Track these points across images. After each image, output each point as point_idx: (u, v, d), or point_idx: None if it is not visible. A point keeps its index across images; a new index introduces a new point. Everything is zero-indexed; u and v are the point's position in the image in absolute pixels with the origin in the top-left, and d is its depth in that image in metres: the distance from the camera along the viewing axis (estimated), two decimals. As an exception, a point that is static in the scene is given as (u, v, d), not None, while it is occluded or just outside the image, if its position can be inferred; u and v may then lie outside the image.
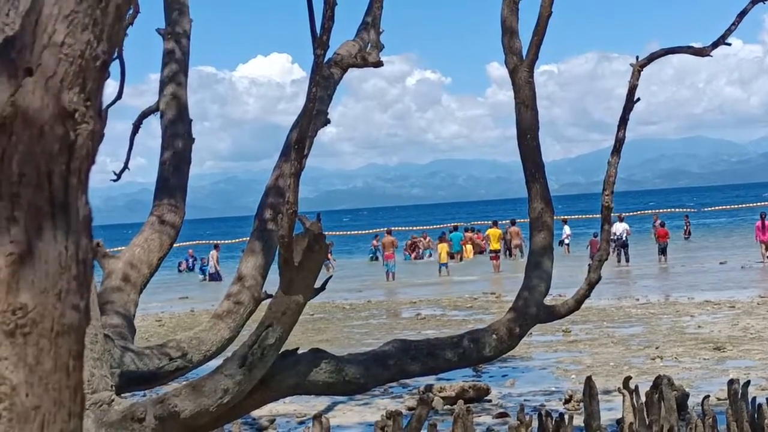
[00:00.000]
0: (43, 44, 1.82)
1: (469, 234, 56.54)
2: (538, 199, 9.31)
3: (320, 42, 6.88)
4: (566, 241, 50.56)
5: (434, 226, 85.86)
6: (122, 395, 8.20)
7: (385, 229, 52.98)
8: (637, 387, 9.96)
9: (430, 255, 52.86)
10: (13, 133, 1.82)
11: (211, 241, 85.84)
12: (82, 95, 1.85)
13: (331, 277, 8.44)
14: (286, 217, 6.98)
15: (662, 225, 44.20)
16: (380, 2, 11.83)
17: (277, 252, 8.92)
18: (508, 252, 49.21)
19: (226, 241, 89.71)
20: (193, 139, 11.35)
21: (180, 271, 56.26)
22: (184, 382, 8.63)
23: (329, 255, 51.18)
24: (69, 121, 1.86)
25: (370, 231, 72.54)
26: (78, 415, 1.96)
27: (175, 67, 11.46)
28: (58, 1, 1.77)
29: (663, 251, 41.78)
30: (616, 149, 9.08)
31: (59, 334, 1.80)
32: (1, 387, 1.72)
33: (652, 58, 9.42)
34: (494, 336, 8.69)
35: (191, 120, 11.47)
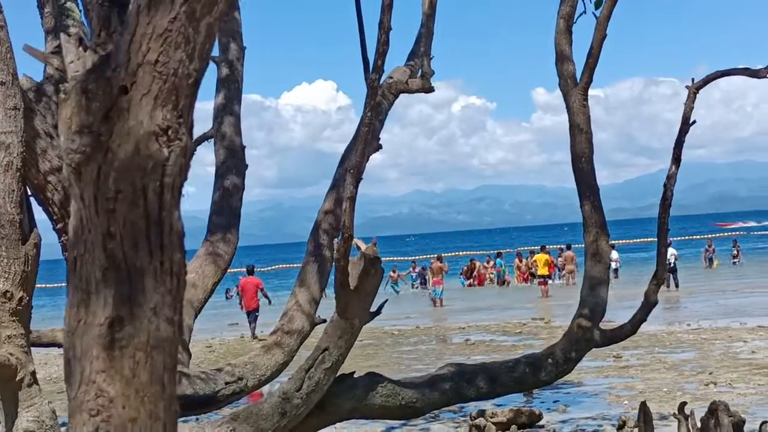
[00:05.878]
0: (138, 63, 1.85)
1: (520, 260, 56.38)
2: (593, 225, 9.28)
3: (376, 67, 6.92)
4: (614, 266, 50.05)
5: (480, 252, 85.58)
6: (177, 420, 8.26)
7: (435, 255, 52.90)
8: (692, 412, 9.85)
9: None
10: (109, 150, 1.85)
11: (260, 268, 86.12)
12: (175, 112, 1.88)
13: (386, 301, 8.41)
14: (343, 240, 6.99)
15: (714, 251, 43.98)
16: (431, 29, 11.87)
17: (330, 276, 8.94)
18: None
19: (275, 267, 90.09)
20: (247, 165, 11.42)
21: (228, 298, 56.42)
22: (241, 407, 8.65)
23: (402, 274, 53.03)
24: (163, 137, 1.89)
25: (420, 257, 72.17)
26: (172, 427, 1.98)
27: (229, 94, 11.55)
28: (152, 21, 1.80)
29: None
30: (675, 161, 9.01)
31: (154, 347, 1.82)
32: (98, 399, 1.75)
33: (708, 80, 9.38)
34: (550, 360, 8.65)
35: (244, 146, 11.54)
